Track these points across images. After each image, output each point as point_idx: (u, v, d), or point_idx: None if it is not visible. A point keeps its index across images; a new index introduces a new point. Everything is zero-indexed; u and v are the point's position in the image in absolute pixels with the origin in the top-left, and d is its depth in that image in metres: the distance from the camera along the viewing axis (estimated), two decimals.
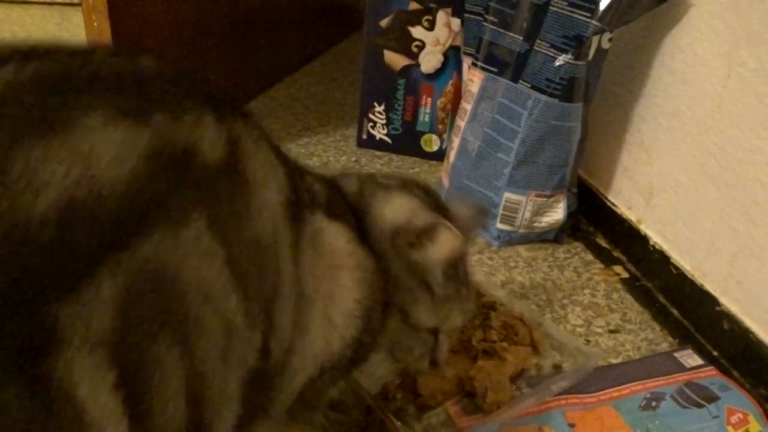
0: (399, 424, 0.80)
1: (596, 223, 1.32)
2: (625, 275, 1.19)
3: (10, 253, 0.37)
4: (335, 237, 0.61)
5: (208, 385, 0.47)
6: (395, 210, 0.68)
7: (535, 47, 1.11)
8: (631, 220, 1.22)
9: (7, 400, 0.36)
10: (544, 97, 1.10)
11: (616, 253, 1.25)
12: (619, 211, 1.25)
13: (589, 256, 1.24)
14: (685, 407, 0.89)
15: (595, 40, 1.08)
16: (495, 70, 1.17)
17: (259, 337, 0.51)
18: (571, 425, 0.85)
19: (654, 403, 0.89)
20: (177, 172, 0.45)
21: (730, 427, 0.86)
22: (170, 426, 0.45)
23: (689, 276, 1.08)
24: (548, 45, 1.09)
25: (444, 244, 0.66)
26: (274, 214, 0.52)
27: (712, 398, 0.90)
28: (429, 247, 0.67)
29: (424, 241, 0.66)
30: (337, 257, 0.61)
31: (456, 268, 0.70)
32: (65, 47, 0.47)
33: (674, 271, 1.11)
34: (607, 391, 0.91)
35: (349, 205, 0.67)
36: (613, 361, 0.99)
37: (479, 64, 1.20)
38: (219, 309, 0.47)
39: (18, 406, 0.37)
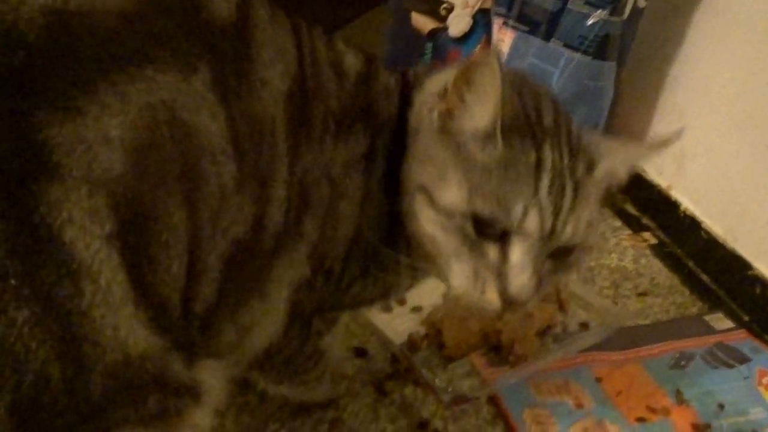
0: (424, 371, 0.79)
1: (624, 190, 1.29)
2: (654, 241, 1.17)
3: None
4: (336, 152, 0.56)
5: (199, 253, 0.45)
6: (437, 80, 0.60)
7: (569, 5, 1.08)
8: (660, 186, 1.20)
9: None
10: (577, 55, 1.08)
11: (644, 220, 1.22)
12: (648, 177, 1.23)
13: (618, 223, 1.22)
14: (715, 367, 0.87)
15: None
16: (527, 28, 1.15)
17: (250, 208, 0.48)
18: (599, 380, 0.84)
19: (683, 363, 0.88)
20: (182, 14, 0.44)
21: (761, 388, 0.84)
22: (169, 287, 0.44)
23: (721, 241, 1.06)
24: (583, 2, 1.06)
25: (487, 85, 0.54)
26: (275, 101, 0.49)
27: (743, 359, 0.88)
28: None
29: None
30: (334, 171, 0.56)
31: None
32: None
33: (705, 236, 1.09)
34: (635, 349, 0.90)
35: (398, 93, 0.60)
36: (642, 322, 0.98)
37: (510, 23, 1.18)
38: (219, 172, 0.45)
39: (1, 227, 0.35)
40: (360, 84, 0.57)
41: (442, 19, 1.44)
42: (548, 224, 0.53)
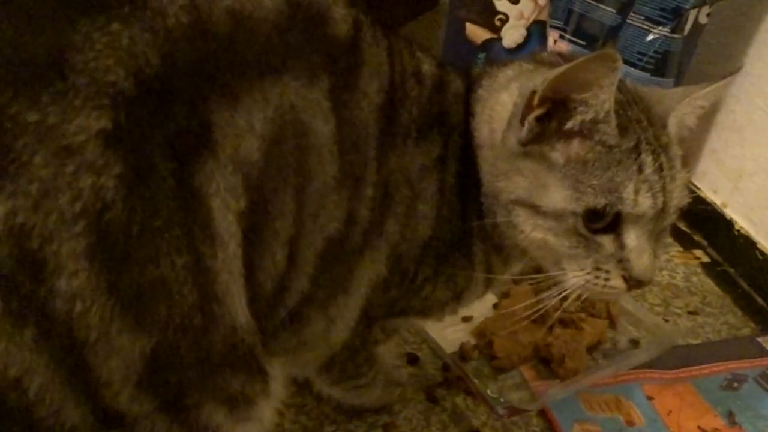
0: (476, 381, 0.81)
1: None
2: (706, 259, 1.16)
3: (194, 37, 0.42)
4: (412, 157, 0.58)
5: (299, 244, 0.50)
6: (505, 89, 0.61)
7: (628, 20, 1.08)
8: (715, 204, 1.19)
9: (165, 175, 0.41)
10: (635, 72, 1.08)
11: (696, 237, 1.21)
12: (702, 195, 1.22)
13: (668, 239, 1.22)
14: None
15: (693, 13, 1.05)
16: (584, 43, 1.15)
17: (345, 205, 0.53)
18: (649, 398, 0.84)
19: (735, 384, 0.87)
20: (311, 29, 0.50)
21: None
22: (271, 274, 0.49)
23: None
24: (643, 18, 1.06)
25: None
26: (371, 110, 0.54)
27: None
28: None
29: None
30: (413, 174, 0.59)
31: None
32: None
33: (760, 257, 1.07)
34: (686, 368, 0.90)
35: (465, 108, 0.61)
36: (692, 341, 0.97)
37: (567, 36, 1.19)
38: (325, 171, 0.50)
39: (169, 192, 0.41)
40: (435, 89, 0.60)
41: (497, 30, 1.45)
42: (660, 200, 0.55)
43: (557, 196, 0.54)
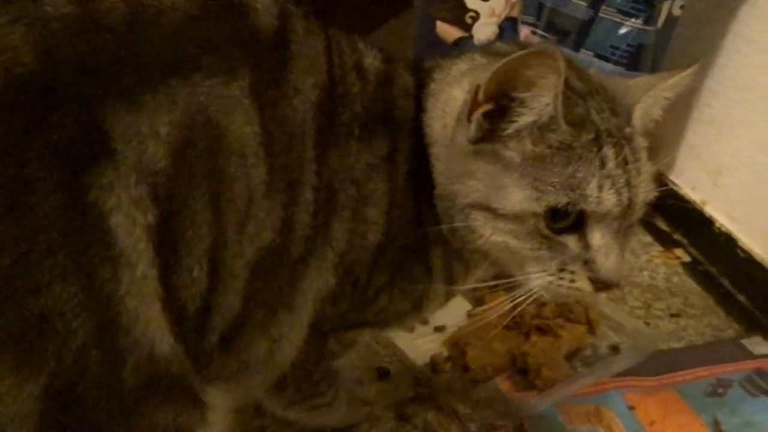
0: (448, 396, 0.76)
1: (656, 205, 1.22)
2: (687, 259, 1.12)
3: (80, 32, 0.37)
4: (357, 155, 0.54)
5: (222, 258, 0.45)
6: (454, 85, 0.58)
7: (600, 13, 1.05)
8: (695, 201, 1.15)
9: (48, 192, 0.36)
10: (609, 66, 1.04)
11: (676, 236, 1.18)
12: (681, 192, 1.18)
13: (648, 238, 1.18)
14: (755, 395, 0.83)
15: (666, 5, 1.02)
16: (555, 38, 1.12)
17: (278, 212, 0.48)
18: (631, 408, 0.80)
19: (721, 390, 0.83)
20: (229, 20, 0.45)
21: None
22: (191, 293, 0.44)
23: (758, 260, 1.01)
24: (615, 10, 1.03)
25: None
26: (306, 108, 0.49)
27: None
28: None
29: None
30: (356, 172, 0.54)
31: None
32: None
33: (742, 255, 1.04)
34: (669, 374, 0.86)
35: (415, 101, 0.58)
36: (675, 345, 0.93)
37: (539, 32, 1.15)
38: (248, 175, 0.45)
39: (53, 211, 0.37)
40: (380, 85, 0.56)
41: (468, 28, 1.41)
42: (625, 196, 0.51)
43: (516, 197, 0.50)
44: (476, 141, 0.51)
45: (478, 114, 0.50)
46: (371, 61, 0.55)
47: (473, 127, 0.51)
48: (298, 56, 0.49)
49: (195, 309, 0.44)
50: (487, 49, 0.60)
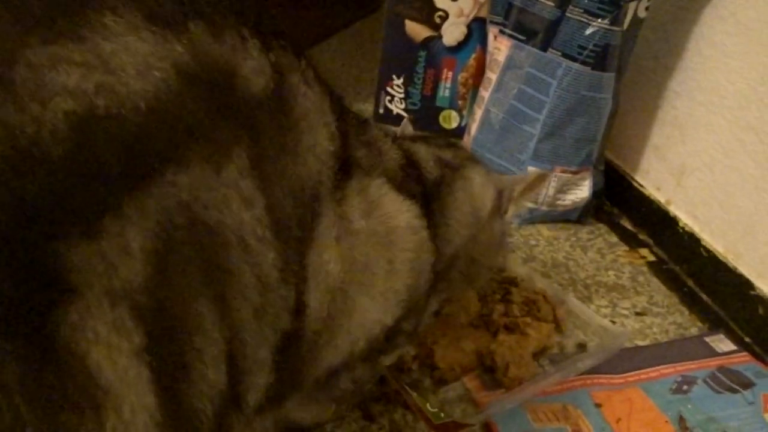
0: (415, 395, 0.75)
1: (621, 205, 1.26)
2: (652, 258, 1.13)
3: (11, 177, 0.29)
4: (398, 210, 0.54)
5: (243, 351, 0.41)
6: (489, 190, 0.69)
7: (567, 13, 1.05)
8: (659, 201, 1.17)
9: (4, 360, 0.30)
10: (575, 65, 1.05)
11: (642, 236, 1.19)
12: (646, 192, 1.20)
13: (614, 238, 1.19)
14: (719, 392, 0.83)
15: (632, 6, 1.03)
16: (523, 38, 1.12)
17: (293, 294, 0.44)
18: (598, 405, 0.79)
19: (685, 387, 0.84)
20: (216, 97, 0.38)
21: (767, 415, 0.81)
22: (207, 395, 0.39)
23: (722, 259, 1.02)
24: (582, 11, 1.03)
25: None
26: (322, 161, 0.46)
27: (748, 384, 0.85)
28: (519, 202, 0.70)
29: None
30: (395, 233, 0.54)
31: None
32: None
33: (705, 254, 1.05)
34: (635, 372, 0.86)
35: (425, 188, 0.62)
36: (640, 343, 0.94)
37: (507, 31, 1.15)
38: (257, 264, 0.40)
39: (18, 368, 0.30)
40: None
41: (437, 27, 1.41)
42: None
43: None
44: None
45: None
46: (394, 155, 0.59)
47: None
48: (304, 112, 0.44)
49: (212, 410, 0.40)
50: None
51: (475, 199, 0.68)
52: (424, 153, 0.68)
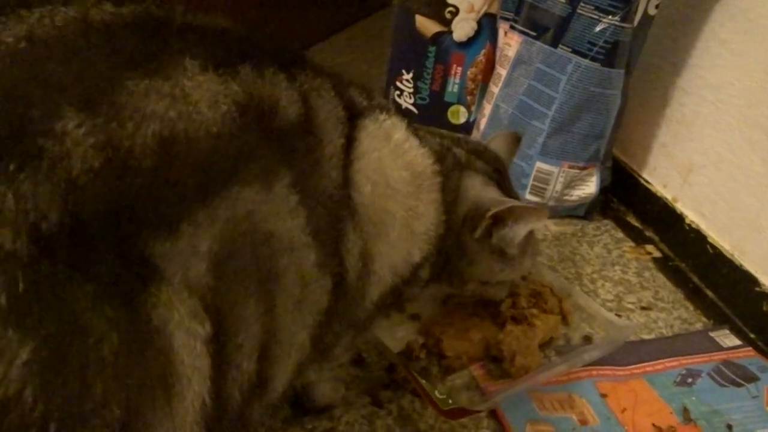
0: (423, 382, 0.76)
1: (628, 202, 1.27)
2: (658, 254, 1.14)
3: (111, 177, 0.36)
4: (422, 156, 0.62)
5: (277, 339, 0.47)
6: (468, 197, 0.70)
7: (578, 9, 1.06)
8: (666, 198, 1.17)
9: (105, 331, 0.33)
10: (585, 62, 1.06)
11: (648, 233, 1.20)
12: (653, 189, 1.21)
13: (620, 234, 1.20)
14: (723, 385, 0.84)
15: (642, 3, 1.04)
16: (534, 33, 1.13)
17: (329, 280, 0.52)
18: (603, 396, 0.81)
19: (690, 380, 0.85)
20: (263, 126, 0.46)
21: None
22: (238, 383, 0.44)
23: (728, 255, 1.03)
24: (593, 7, 1.04)
25: (532, 223, 0.71)
26: (338, 159, 0.53)
27: (752, 378, 0.86)
28: (515, 226, 0.70)
29: (510, 221, 0.70)
30: (422, 178, 0.61)
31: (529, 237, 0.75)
32: None
33: (711, 251, 1.06)
34: (640, 365, 0.87)
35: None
36: (646, 337, 0.95)
37: (518, 27, 1.16)
38: (300, 264, 0.47)
39: (117, 339, 0.34)
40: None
41: (447, 23, 1.42)
42: None
43: None
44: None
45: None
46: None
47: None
48: (324, 124, 0.52)
49: (242, 396, 0.45)
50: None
51: (456, 198, 0.69)
52: (428, 134, 0.71)
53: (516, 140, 0.88)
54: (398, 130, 0.60)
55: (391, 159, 0.58)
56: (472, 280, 0.74)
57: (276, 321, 0.46)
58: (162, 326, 0.36)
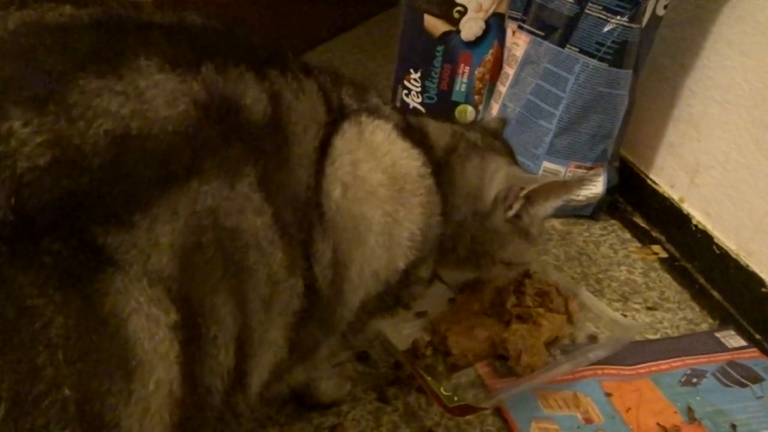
0: (429, 379, 0.76)
1: (634, 202, 1.27)
2: (664, 255, 1.15)
3: (61, 175, 0.36)
4: (407, 158, 0.60)
5: (251, 335, 0.48)
6: (498, 178, 0.71)
7: (586, 10, 1.06)
8: (673, 199, 1.18)
9: (52, 315, 0.34)
10: (593, 62, 1.06)
11: (654, 233, 1.20)
12: (660, 190, 1.21)
13: (626, 235, 1.20)
14: (728, 385, 0.84)
15: (650, 4, 1.04)
16: (542, 33, 1.13)
17: (300, 281, 0.52)
18: (608, 395, 0.81)
19: (695, 380, 0.85)
20: (226, 123, 0.46)
21: None
22: (218, 373, 0.45)
23: (734, 256, 1.03)
24: (601, 7, 1.04)
25: (563, 197, 0.72)
26: (309, 168, 0.53)
27: (757, 379, 0.86)
28: (547, 203, 0.71)
29: (541, 198, 0.71)
30: (405, 181, 0.60)
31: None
32: None
33: (717, 251, 1.06)
34: (645, 364, 0.87)
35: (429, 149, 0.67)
36: (651, 337, 0.95)
37: (526, 27, 1.16)
38: (268, 263, 0.47)
39: (65, 322, 0.34)
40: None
41: (455, 22, 1.42)
42: None
43: None
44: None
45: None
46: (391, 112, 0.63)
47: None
48: (296, 123, 0.51)
49: (224, 385, 0.45)
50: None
51: (484, 179, 0.70)
52: (434, 124, 0.72)
53: (503, 123, 0.90)
54: (381, 131, 0.59)
55: (367, 162, 0.57)
56: (502, 262, 0.75)
57: (247, 317, 0.46)
58: (116, 311, 0.37)
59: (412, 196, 0.60)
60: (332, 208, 0.54)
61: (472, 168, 0.70)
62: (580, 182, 0.75)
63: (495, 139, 0.77)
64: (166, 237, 0.40)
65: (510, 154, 0.77)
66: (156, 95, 0.41)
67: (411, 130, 0.64)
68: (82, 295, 0.36)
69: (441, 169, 0.66)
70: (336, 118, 0.56)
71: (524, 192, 0.70)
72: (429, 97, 1.51)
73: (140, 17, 0.47)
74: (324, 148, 0.54)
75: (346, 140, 0.56)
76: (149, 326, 0.38)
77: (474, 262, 0.73)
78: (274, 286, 0.48)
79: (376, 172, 0.57)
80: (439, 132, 0.71)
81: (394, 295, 0.64)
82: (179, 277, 0.40)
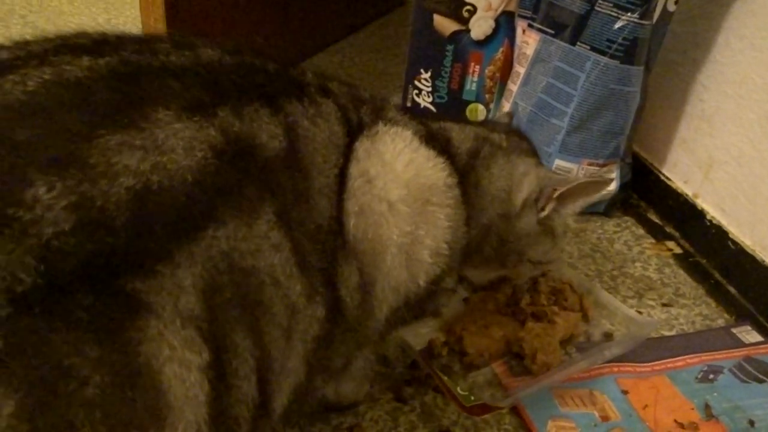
0: (446, 379, 0.77)
1: (648, 198, 1.27)
2: (678, 251, 1.14)
3: (86, 236, 0.37)
4: (432, 168, 0.60)
5: (271, 365, 0.48)
6: (528, 180, 0.72)
7: (597, 7, 1.06)
8: (686, 195, 1.17)
9: (88, 373, 0.35)
10: (604, 59, 1.06)
11: (668, 229, 1.20)
12: (674, 186, 1.20)
13: (640, 231, 1.20)
14: (745, 381, 0.84)
15: (661, 0, 1.03)
16: (552, 31, 1.13)
17: (321, 309, 0.52)
18: (624, 392, 0.81)
19: (711, 376, 0.85)
20: (243, 165, 0.46)
21: None
22: (244, 402, 0.46)
23: (749, 251, 1.03)
24: (611, 5, 1.04)
25: (593, 195, 0.73)
26: (330, 187, 0.53)
27: None
28: (577, 202, 0.73)
29: (573, 198, 0.73)
30: (431, 193, 0.59)
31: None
32: (130, 38, 0.49)
33: (732, 247, 1.06)
34: (661, 361, 0.87)
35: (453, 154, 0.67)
36: (667, 333, 0.95)
37: (536, 25, 1.16)
38: (286, 295, 0.48)
39: (102, 380, 0.35)
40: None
41: (465, 21, 1.42)
42: None
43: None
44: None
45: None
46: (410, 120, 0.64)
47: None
48: (313, 153, 0.52)
49: (249, 412, 0.46)
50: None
51: (512, 182, 0.71)
52: (456, 128, 0.72)
53: (510, 118, 0.91)
54: (400, 140, 0.59)
55: (383, 177, 0.57)
56: (530, 261, 0.76)
57: (266, 348, 0.47)
58: (150, 360, 0.37)
59: (439, 208, 0.60)
60: (350, 232, 0.55)
61: (499, 170, 0.70)
62: (609, 180, 0.76)
63: (521, 140, 0.77)
64: (189, 280, 0.41)
65: (536, 154, 0.78)
66: (175, 145, 0.42)
67: (434, 138, 0.64)
68: (117, 346, 0.37)
69: (466, 175, 0.66)
70: (356, 136, 0.57)
71: (557, 193, 0.71)
72: (440, 97, 1.51)
73: (156, 61, 0.47)
74: (343, 174, 0.55)
75: (361, 160, 0.56)
76: (182, 372, 0.39)
77: (500, 261, 0.74)
78: (293, 316, 0.49)
79: (394, 186, 0.57)
80: (462, 136, 0.71)
81: (420, 308, 0.65)
82: (206, 316, 0.42)
